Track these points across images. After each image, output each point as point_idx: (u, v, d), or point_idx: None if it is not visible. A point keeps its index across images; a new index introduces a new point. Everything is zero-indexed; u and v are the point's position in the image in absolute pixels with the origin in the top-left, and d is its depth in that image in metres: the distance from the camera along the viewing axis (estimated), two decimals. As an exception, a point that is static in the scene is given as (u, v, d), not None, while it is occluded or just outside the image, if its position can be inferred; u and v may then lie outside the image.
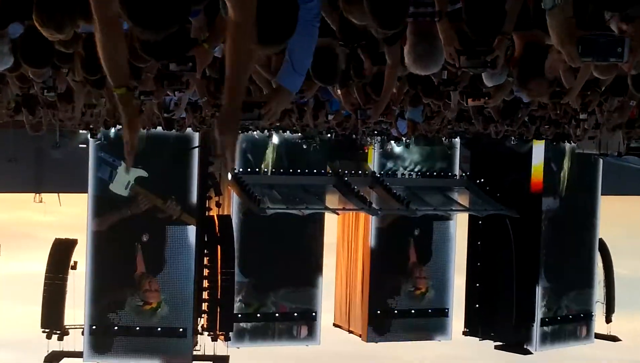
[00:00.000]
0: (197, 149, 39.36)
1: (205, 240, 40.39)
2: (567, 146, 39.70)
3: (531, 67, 4.65)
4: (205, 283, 40.25)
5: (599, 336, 45.04)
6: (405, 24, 4.77)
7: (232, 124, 3.79)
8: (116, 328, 39.55)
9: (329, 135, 37.66)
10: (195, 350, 40.37)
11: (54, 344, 39.23)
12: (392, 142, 40.38)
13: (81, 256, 39.64)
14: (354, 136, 35.86)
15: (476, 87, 8.28)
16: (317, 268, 42.50)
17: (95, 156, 39.00)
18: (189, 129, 31.64)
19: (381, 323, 42.97)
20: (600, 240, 44.95)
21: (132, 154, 4.02)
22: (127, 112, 3.81)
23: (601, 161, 40.57)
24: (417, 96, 9.97)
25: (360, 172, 42.54)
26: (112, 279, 39.44)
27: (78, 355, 39.58)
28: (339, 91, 9.40)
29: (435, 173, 43.37)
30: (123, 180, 38.87)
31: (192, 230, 39.70)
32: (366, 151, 42.88)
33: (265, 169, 41.10)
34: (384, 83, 7.29)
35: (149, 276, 39.66)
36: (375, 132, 33.52)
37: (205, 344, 40.45)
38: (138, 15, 3.28)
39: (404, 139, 35.64)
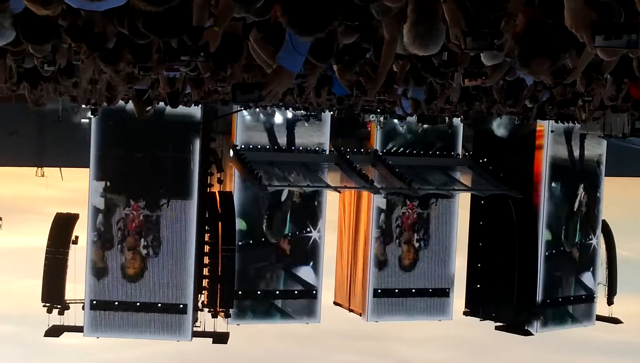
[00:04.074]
0: (199, 125, 39.24)
1: (207, 216, 40.36)
2: (572, 126, 39.53)
3: (534, 44, 4.54)
4: (206, 260, 40.25)
5: (600, 318, 45.00)
6: None
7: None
8: (117, 303, 39.59)
9: (331, 113, 37.51)
10: (195, 326, 40.42)
11: (55, 318, 39.35)
12: (395, 121, 40.18)
13: (82, 231, 39.67)
14: (355, 113, 35.72)
15: (474, 68, 8.16)
16: (318, 246, 42.52)
17: (97, 131, 38.97)
18: (192, 106, 31.53)
19: (382, 302, 42.99)
20: (604, 222, 44.86)
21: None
22: None
23: (605, 142, 40.40)
24: (419, 74, 9.85)
25: (362, 150, 42.45)
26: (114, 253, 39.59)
27: (78, 329, 39.67)
28: (335, 67, 9.27)
29: (438, 152, 43.24)
30: None
31: (193, 206, 39.70)
32: (369, 129, 42.74)
33: (267, 146, 40.98)
34: (381, 60, 7.15)
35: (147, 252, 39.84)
36: (378, 110, 33.34)
37: (206, 320, 40.54)
38: None
39: (407, 118, 35.44)
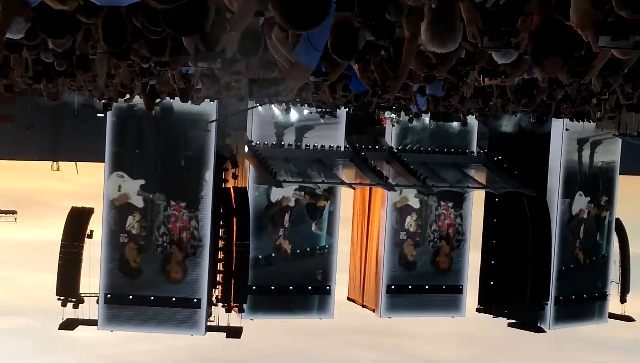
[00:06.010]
0: (214, 121, 39.30)
1: (221, 211, 40.44)
2: (587, 125, 39.42)
3: (547, 43, 4.54)
4: (220, 255, 40.33)
5: (613, 316, 44.96)
6: None
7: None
8: (131, 297, 39.73)
9: (346, 109, 37.49)
10: (209, 320, 40.52)
11: (69, 312, 39.54)
12: (408, 118, 40.13)
13: (97, 225, 39.83)
14: (370, 110, 35.69)
15: (493, 66, 8.15)
16: (332, 242, 42.59)
17: (112, 126, 39.11)
18: (207, 102, 31.57)
19: (395, 299, 42.99)
20: (617, 220, 44.79)
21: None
22: None
23: (620, 140, 40.29)
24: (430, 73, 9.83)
25: (377, 147, 42.41)
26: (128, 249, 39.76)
27: (93, 323, 39.83)
28: (356, 66, 9.25)
29: (452, 150, 43.18)
30: None
31: (208, 202, 39.82)
32: (384, 125, 42.70)
33: (282, 142, 41.04)
34: (402, 57, 7.15)
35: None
36: (394, 107, 33.31)
37: (219, 315, 40.65)
38: None
39: (422, 116, 35.43)
